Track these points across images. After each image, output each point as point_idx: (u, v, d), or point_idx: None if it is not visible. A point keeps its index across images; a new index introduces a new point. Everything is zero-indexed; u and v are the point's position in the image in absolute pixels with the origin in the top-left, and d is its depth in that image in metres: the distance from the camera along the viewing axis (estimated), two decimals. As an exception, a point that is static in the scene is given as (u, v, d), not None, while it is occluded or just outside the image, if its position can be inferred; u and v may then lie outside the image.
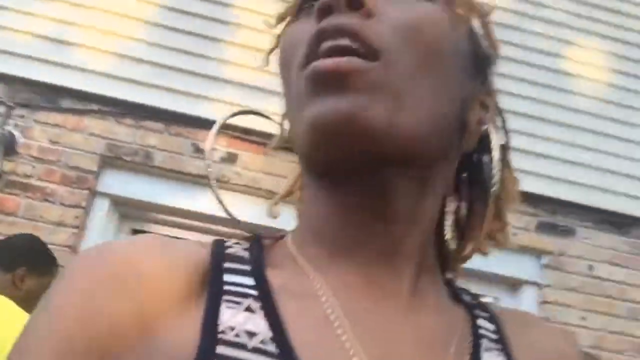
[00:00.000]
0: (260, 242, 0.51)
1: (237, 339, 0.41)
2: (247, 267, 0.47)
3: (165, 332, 0.42)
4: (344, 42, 0.43)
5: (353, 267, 0.47)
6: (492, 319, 0.50)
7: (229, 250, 0.48)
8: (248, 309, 0.43)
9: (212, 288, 0.45)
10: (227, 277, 0.45)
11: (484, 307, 0.52)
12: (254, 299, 0.44)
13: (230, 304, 0.43)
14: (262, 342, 0.41)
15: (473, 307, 0.51)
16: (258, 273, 0.46)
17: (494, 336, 0.49)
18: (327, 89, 0.42)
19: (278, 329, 0.42)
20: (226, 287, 0.45)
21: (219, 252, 0.48)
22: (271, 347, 0.41)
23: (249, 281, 0.45)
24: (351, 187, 0.46)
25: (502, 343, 0.48)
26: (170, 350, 0.41)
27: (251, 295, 0.44)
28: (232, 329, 0.42)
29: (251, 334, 0.42)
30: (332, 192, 0.47)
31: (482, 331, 0.49)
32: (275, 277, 0.46)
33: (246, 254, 0.48)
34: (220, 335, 0.41)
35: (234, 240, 0.51)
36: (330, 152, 0.44)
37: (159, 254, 0.46)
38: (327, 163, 0.46)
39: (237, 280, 0.45)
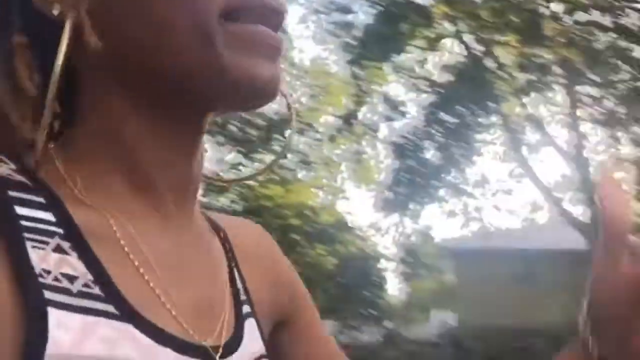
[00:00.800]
0: (21, 162, 0.45)
1: (58, 284, 0.39)
2: (39, 199, 0.42)
3: None
4: (280, 19, 0.47)
5: (150, 201, 0.47)
6: (226, 237, 0.56)
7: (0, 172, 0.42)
8: (58, 250, 0.40)
9: (6, 223, 0.40)
10: (21, 211, 0.41)
11: (216, 225, 0.57)
12: (61, 238, 0.41)
13: (36, 244, 0.40)
14: (85, 285, 0.40)
15: (215, 227, 0.56)
16: (56, 207, 0.42)
17: (229, 252, 0.56)
18: (266, 56, 0.45)
19: (98, 272, 0.41)
20: (25, 223, 0.40)
21: None
22: (97, 290, 0.40)
23: (49, 216, 0.42)
24: (200, 125, 0.48)
25: (234, 257, 0.55)
26: None
27: (57, 234, 0.41)
28: (48, 272, 0.39)
29: (71, 278, 0.40)
30: (178, 126, 0.47)
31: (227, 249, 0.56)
32: (74, 213, 0.43)
33: (25, 180, 0.43)
34: (40, 279, 0.39)
35: None
36: (248, 103, 0.48)
37: None
38: (222, 105, 0.48)
39: (36, 215, 0.41)
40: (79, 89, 0.47)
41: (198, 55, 0.44)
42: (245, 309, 0.53)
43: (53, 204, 0.42)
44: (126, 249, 0.44)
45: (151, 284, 0.44)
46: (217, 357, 0.46)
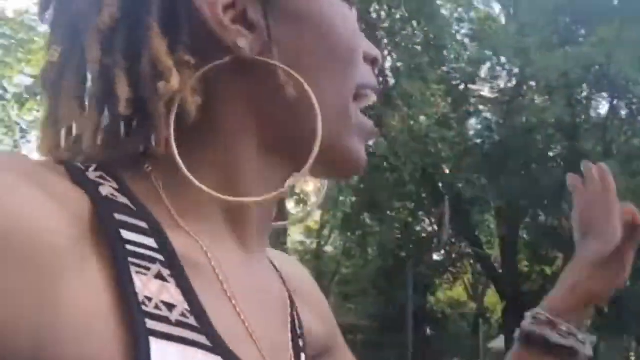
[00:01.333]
0: (120, 177, 0.45)
1: (159, 312, 0.39)
2: (143, 224, 0.42)
3: (68, 303, 0.36)
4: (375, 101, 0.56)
5: (240, 235, 0.49)
6: (284, 279, 0.59)
7: (104, 192, 0.42)
8: (159, 277, 0.40)
9: (114, 247, 0.39)
10: (127, 235, 0.40)
11: (274, 263, 0.59)
12: (162, 265, 0.41)
13: (140, 269, 0.40)
14: (182, 315, 0.40)
15: (274, 266, 0.59)
16: (158, 233, 0.43)
17: (290, 296, 0.57)
18: (365, 143, 0.54)
19: (193, 301, 0.41)
20: (130, 248, 0.40)
21: (99, 196, 0.41)
22: (192, 321, 0.40)
23: (151, 242, 0.42)
24: (291, 174, 0.52)
25: (293, 301, 0.57)
26: (80, 324, 0.36)
27: (158, 260, 0.41)
28: (150, 299, 0.39)
29: (170, 306, 0.40)
30: (281, 176, 0.51)
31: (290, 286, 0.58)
32: (173, 239, 0.43)
33: (128, 202, 0.43)
34: (143, 307, 0.38)
35: (92, 171, 0.44)
36: (344, 177, 0.58)
37: (39, 197, 0.38)
38: (325, 172, 0.54)
39: (139, 240, 0.41)
40: (207, 116, 0.47)
41: (337, 130, 0.50)
42: (303, 357, 0.54)
43: (155, 229, 0.43)
44: (220, 278, 0.46)
45: (242, 317, 0.46)
46: None
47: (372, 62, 0.54)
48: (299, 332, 0.55)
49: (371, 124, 0.54)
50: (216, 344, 0.41)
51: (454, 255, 18.19)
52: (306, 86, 0.47)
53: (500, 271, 15.90)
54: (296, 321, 0.55)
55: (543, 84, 13.96)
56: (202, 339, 0.40)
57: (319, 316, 0.62)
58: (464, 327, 21.01)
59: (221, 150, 0.48)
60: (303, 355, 0.54)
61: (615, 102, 15.78)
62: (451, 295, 21.77)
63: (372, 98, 0.54)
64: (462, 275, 19.36)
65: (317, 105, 0.47)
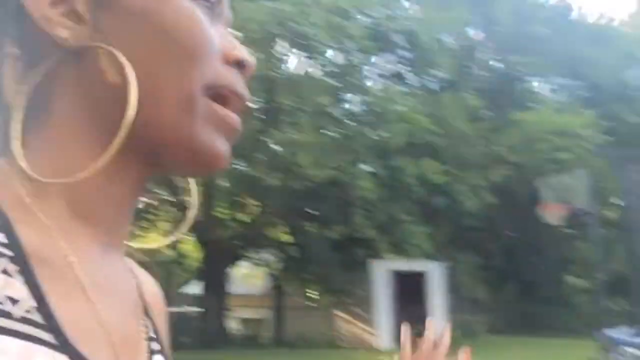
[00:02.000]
0: None
1: (1, 306, 0.40)
2: None
3: None
4: (243, 105, 0.54)
5: (89, 231, 0.49)
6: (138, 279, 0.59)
7: None
8: (5, 272, 0.41)
9: None
10: None
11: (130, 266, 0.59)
12: (10, 261, 0.42)
13: None
14: (27, 311, 0.41)
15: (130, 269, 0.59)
16: (7, 228, 0.43)
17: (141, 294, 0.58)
18: (226, 136, 0.53)
19: (40, 298, 0.42)
20: None
21: None
22: (37, 318, 0.41)
23: (1, 238, 0.43)
24: (147, 177, 0.53)
25: (144, 299, 0.58)
26: None
27: (6, 256, 0.42)
28: None
29: (14, 301, 0.41)
30: (131, 173, 0.51)
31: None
32: (24, 235, 0.44)
33: None
34: None
35: None
36: (200, 172, 0.55)
37: None
38: (179, 168, 0.54)
39: None
40: (49, 105, 0.49)
41: (178, 119, 0.49)
42: (155, 345, 0.55)
43: (5, 224, 0.43)
44: (73, 274, 0.46)
45: (92, 313, 0.46)
46: None
47: (238, 65, 0.54)
48: (153, 335, 0.55)
49: (233, 119, 0.53)
50: (62, 342, 0.41)
51: (150, 202, 17.76)
52: (127, 67, 0.47)
53: (199, 218, 16.10)
54: (149, 325, 0.56)
55: (244, 36, 14.21)
56: (47, 336, 0.41)
57: (164, 328, 0.61)
58: (159, 273, 20.91)
59: (59, 141, 0.49)
60: (156, 344, 0.55)
61: (309, 60, 16.96)
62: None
63: (236, 100, 0.53)
64: (158, 222, 19.08)
65: (133, 87, 0.47)
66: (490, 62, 23.28)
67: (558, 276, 23.15)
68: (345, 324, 18.36)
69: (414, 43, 18.03)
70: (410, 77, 19.93)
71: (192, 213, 0.61)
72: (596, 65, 21.93)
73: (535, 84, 24.42)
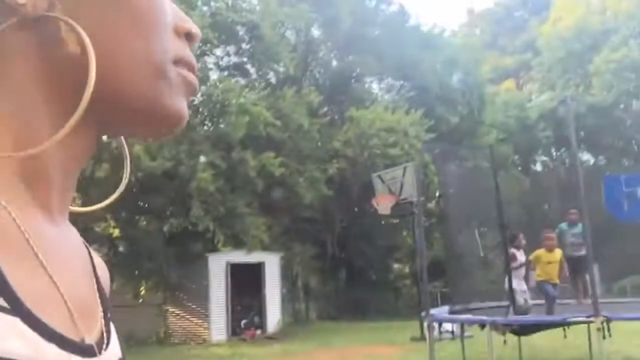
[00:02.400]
0: None
1: None
2: None
3: None
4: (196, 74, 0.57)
5: (38, 195, 0.48)
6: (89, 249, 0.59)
7: None
8: None
9: None
10: None
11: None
12: None
13: None
14: None
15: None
16: None
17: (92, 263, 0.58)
18: (187, 97, 0.55)
19: (1, 280, 0.42)
20: None
21: None
22: (1, 302, 0.41)
23: None
24: (99, 140, 0.54)
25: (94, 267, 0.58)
26: None
27: None
28: None
29: None
30: (85, 137, 0.51)
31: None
32: None
33: None
34: None
35: None
36: (161, 132, 0.56)
37: None
38: (142, 129, 0.55)
39: None
40: (6, 70, 0.48)
41: (150, 87, 0.51)
42: (107, 311, 0.55)
43: None
44: (29, 244, 0.45)
45: (46, 277, 0.46)
46: (98, 354, 0.50)
47: (187, 37, 0.56)
48: (105, 300, 0.56)
49: (196, 84, 0.56)
50: (15, 305, 0.41)
51: None
52: (84, 37, 0.47)
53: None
54: (102, 291, 0.56)
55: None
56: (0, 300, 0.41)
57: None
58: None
59: (17, 110, 0.48)
60: (109, 312, 0.55)
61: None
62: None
63: (193, 70, 0.55)
64: None
65: (92, 59, 0.47)
66: (330, 61, 24.19)
67: (385, 264, 24.79)
68: (178, 319, 18.02)
69: (256, 36, 18.14)
70: (252, 70, 20.04)
71: (126, 172, 0.61)
72: (425, 69, 23.77)
73: (370, 83, 25.84)
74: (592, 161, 31.64)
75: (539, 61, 33.14)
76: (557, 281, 8.71)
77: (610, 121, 27.73)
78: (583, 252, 8.59)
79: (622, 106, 27.89)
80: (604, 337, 6.76)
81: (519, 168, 30.10)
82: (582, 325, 7.21)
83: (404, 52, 23.37)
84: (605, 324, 6.50)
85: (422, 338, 13.90)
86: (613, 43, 28.57)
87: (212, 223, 15.76)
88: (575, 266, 8.75)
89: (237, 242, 17.57)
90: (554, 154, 32.54)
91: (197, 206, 15.34)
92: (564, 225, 8.59)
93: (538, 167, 33.46)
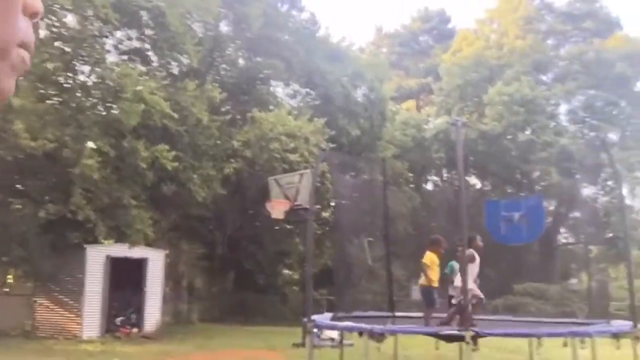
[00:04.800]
0: None
1: None
2: None
3: None
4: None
5: None
6: None
7: None
8: None
9: None
10: None
11: None
12: None
13: None
14: None
15: None
16: None
17: None
18: (18, 76, 0.58)
19: None
20: None
21: None
22: None
23: None
24: None
25: None
26: None
27: None
28: None
29: None
30: None
31: None
32: None
33: None
34: None
35: None
36: None
37: None
38: None
39: None
40: None
41: None
42: None
43: None
44: None
45: None
46: None
47: (32, 15, 0.57)
48: None
49: (28, 62, 0.57)
50: None
51: None
52: None
53: None
54: None
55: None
56: None
57: None
58: None
59: None
60: None
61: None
62: None
63: (31, 49, 0.58)
64: None
65: None
66: (237, 59, 23.80)
67: (275, 268, 24.67)
68: (48, 312, 16.82)
69: (161, 23, 17.45)
70: (154, 58, 19.26)
71: None
72: (331, 80, 24.00)
73: (276, 87, 25.72)
74: (478, 185, 33.38)
75: (439, 86, 34.59)
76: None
77: (498, 149, 29.40)
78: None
79: (509, 137, 29.66)
80: (473, 350, 6.98)
81: (412, 185, 31.15)
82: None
83: (312, 61, 23.48)
84: (474, 338, 6.71)
85: (304, 344, 13.89)
86: (507, 77, 30.40)
87: (93, 213, 14.84)
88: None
89: (120, 236, 16.70)
90: (445, 175, 34.01)
91: (78, 194, 14.39)
92: (454, 264, 8.82)
93: (429, 186, 34.83)
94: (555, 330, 7.35)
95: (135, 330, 16.94)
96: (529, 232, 9.81)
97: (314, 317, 8.46)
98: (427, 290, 8.12)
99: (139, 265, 17.14)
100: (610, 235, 23.33)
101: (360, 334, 7.59)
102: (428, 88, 37.63)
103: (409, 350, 12.52)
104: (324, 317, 9.16)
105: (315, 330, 11.86)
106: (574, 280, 30.47)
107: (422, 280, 8.16)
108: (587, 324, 7.96)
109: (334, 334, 13.44)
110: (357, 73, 25.62)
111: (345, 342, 11.16)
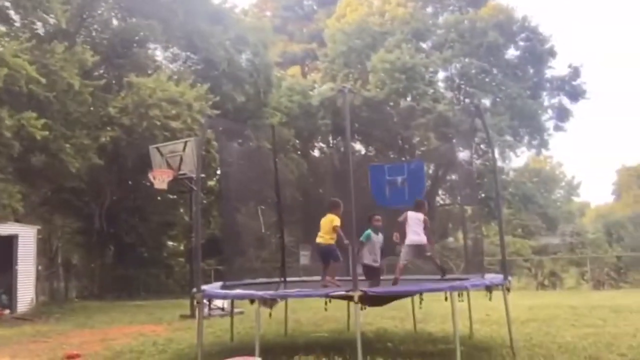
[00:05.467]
0: None
1: None
2: None
3: None
4: None
5: None
6: None
7: None
8: None
9: None
10: None
11: None
12: None
13: None
14: None
15: None
16: None
17: None
18: None
19: None
20: None
21: None
22: None
23: None
24: None
25: None
26: None
27: None
28: None
29: None
30: None
31: None
32: None
33: None
34: None
35: None
36: None
37: None
38: None
39: None
40: None
41: None
42: None
43: None
44: None
45: None
46: None
47: None
48: None
49: None
50: None
51: None
52: None
53: None
54: None
55: None
56: None
57: None
58: None
59: None
60: None
61: None
62: None
63: None
64: None
65: None
66: (110, 19, 22.26)
67: (159, 241, 23.91)
68: None
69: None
70: (16, 17, 17.52)
71: None
72: (214, 44, 23.19)
73: (155, 50, 24.47)
74: (363, 151, 34.22)
75: (324, 52, 34.71)
76: None
77: (381, 116, 30.18)
78: (378, 264, 9.05)
79: (391, 103, 30.49)
80: (361, 309, 7.09)
81: (299, 152, 31.28)
82: (342, 300, 7.50)
83: (192, 23, 22.52)
84: (361, 298, 6.80)
85: (192, 315, 13.56)
86: (389, 44, 31.08)
87: (-51, 187, 13.40)
88: (367, 273, 9.07)
89: (-14, 212, 15.28)
90: (331, 141, 34.47)
91: None
92: (370, 232, 8.93)
93: (316, 153, 35.19)
94: (437, 286, 7.65)
95: (7, 311, 15.76)
96: (410, 195, 10.11)
97: (204, 287, 8.19)
98: (332, 249, 8.18)
99: (9, 243, 15.86)
100: (483, 195, 24.90)
101: (252, 301, 7.46)
102: (313, 54, 37.65)
103: (298, 314, 12.64)
104: (214, 287, 8.92)
105: (205, 300, 11.64)
106: (451, 239, 32.42)
107: (326, 239, 8.18)
108: (463, 279, 8.38)
109: (224, 304, 13.27)
110: (241, 37, 24.96)
111: (235, 310, 11.03)
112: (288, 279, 10.27)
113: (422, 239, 8.51)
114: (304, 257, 25.80)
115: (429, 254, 8.70)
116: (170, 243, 26.07)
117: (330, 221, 8.25)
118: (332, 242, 8.24)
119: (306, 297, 8.35)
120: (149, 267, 22.53)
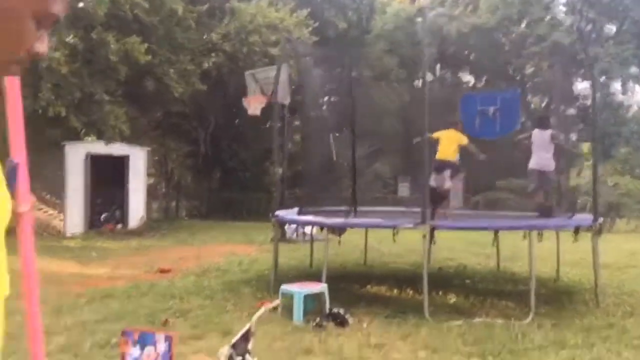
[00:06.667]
0: None
1: None
2: None
3: None
4: None
5: None
6: None
7: None
8: None
9: None
10: None
11: None
12: None
13: None
14: None
15: None
16: None
17: None
18: None
19: None
20: None
21: None
22: None
23: None
24: None
25: None
26: None
27: None
28: None
29: None
30: None
31: None
32: None
33: None
34: None
35: None
36: None
37: None
38: None
39: None
40: None
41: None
42: None
43: None
44: None
45: None
46: None
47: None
48: None
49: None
50: None
51: None
52: None
53: None
54: None
55: None
56: None
57: None
58: None
59: None
60: None
61: None
62: None
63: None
64: None
65: None
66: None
67: (261, 166, 24.63)
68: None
69: None
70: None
71: None
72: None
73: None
74: (472, 82, 32.68)
75: (434, -24, 32.88)
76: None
77: (491, 44, 28.46)
78: (447, 187, 8.78)
79: (503, 31, 28.61)
80: (432, 243, 6.96)
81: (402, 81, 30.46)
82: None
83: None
84: (431, 230, 6.66)
85: (283, 239, 14.04)
86: (504, -35, 28.82)
87: (64, 109, 14.46)
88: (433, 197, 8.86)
89: (97, 132, 16.44)
90: (438, 71, 33.18)
91: (47, 88, 13.94)
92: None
93: (419, 83, 34.08)
94: (513, 223, 7.28)
95: (119, 226, 17.14)
96: (502, 127, 9.55)
97: (278, 212, 8.39)
98: (453, 164, 8.24)
99: (121, 163, 17.05)
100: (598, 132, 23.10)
101: (321, 228, 7.56)
102: (422, -22, 35.82)
103: (383, 244, 12.68)
104: (289, 213, 9.12)
105: (287, 226, 11.94)
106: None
107: (447, 154, 8.14)
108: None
109: (312, 230, 13.58)
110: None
111: (318, 237, 11.25)
112: (362, 208, 10.26)
113: (548, 164, 7.81)
114: (403, 189, 25.60)
115: (550, 185, 8.04)
116: (271, 168, 26.83)
117: (457, 139, 8.15)
118: (453, 158, 8.20)
119: (372, 227, 8.32)
120: (251, 191, 23.42)
